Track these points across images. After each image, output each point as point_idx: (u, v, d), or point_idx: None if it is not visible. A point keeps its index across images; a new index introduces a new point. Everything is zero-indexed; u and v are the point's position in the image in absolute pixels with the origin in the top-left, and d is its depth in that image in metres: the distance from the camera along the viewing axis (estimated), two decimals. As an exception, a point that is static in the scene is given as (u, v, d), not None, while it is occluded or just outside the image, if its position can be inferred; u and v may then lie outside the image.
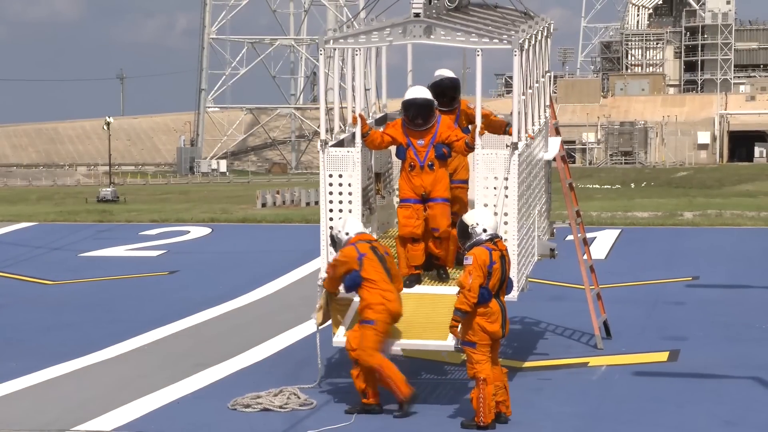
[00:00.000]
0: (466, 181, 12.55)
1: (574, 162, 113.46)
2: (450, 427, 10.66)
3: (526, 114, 12.33)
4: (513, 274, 11.52)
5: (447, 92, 12.34)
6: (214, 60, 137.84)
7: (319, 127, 12.20)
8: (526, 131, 12.33)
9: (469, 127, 12.16)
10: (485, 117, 12.18)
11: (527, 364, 13.43)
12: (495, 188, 11.74)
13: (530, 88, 12.68)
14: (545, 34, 13.74)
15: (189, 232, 30.10)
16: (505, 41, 11.68)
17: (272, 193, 55.58)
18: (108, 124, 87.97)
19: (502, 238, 11.00)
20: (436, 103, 11.87)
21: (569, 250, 15.54)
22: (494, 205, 11.70)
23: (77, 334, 16.01)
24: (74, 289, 20.55)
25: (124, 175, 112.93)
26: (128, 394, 12.03)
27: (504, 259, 10.78)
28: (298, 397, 11.39)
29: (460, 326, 10.61)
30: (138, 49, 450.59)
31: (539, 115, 13.52)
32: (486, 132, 12.19)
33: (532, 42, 12.62)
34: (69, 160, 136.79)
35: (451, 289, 11.52)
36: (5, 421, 11.13)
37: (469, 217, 10.90)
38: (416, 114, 11.74)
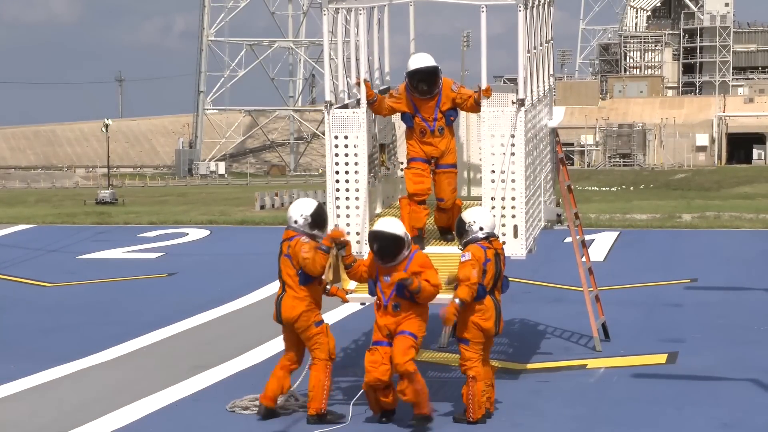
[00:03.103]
0: (454, 165, 12.27)
1: (572, 164, 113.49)
2: (450, 427, 10.66)
3: (531, 74, 12.33)
4: (521, 232, 11.65)
5: (427, 78, 11.85)
6: (213, 62, 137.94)
7: (318, 128, 12.15)
8: (531, 92, 12.30)
9: (456, 109, 12.17)
10: (461, 94, 12.00)
11: (526, 365, 13.42)
12: (502, 145, 11.73)
13: (534, 48, 12.66)
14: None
15: (187, 234, 30.10)
16: None
17: (271, 195, 55.61)
18: (106, 126, 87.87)
19: (498, 238, 11.08)
20: (440, 68, 11.77)
21: (568, 252, 15.54)
22: (502, 163, 11.69)
23: (75, 336, 16.00)
24: (72, 291, 20.54)
25: (123, 177, 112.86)
26: (126, 397, 12.02)
27: (498, 257, 10.87)
28: (297, 399, 11.38)
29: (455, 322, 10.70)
30: (136, 51, 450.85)
31: (543, 81, 13.53)
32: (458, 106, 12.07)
33: (536, 3, 12.62)
34: (67, 162, 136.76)
35: (452, 249, 11.63)
36: (3, 424, 11.13)
37: (466, 215, 11.04)
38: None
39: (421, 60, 11.78)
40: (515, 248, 11.76)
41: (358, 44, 12.37)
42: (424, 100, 11.82)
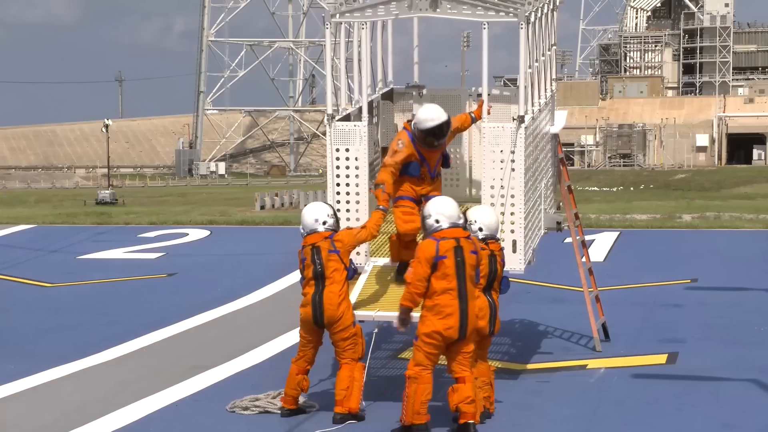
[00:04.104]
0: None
1: (572, 164, 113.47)
2: (449, 427, 10.66)
3: (532, 88, 12.35)
4: (520, 247, 11.67)
5: (439, 132, 11.44)
6: (213, 62, 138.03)
7: (318, 128, 12.20)
8: (532, 105, 12.32)
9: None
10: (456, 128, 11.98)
11: (526, 365, 13.43)
12: (502, 161, 11.76)
13: (536, 61, 12.68)
14: (552, 6, 13.74)
15: (187, 234, 30.12)
16: (511, 14, 11.66)
17: (271, 196, 55.64)
18: (106, 126, 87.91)
19: (497, 240, 11.07)
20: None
21: (568, 253, 15.54)
22: (501, 179, 11.73)
23: (75, 336, 16.00)
24: (72, 292, 20.55)
25: (123, 177, 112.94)
26: (126, 397, 12.02)
27: (494, 258, 10.85)
28: (297, 400, 11.38)
29: None
30: (136, 51, 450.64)
31: (546, 89, 13.55)
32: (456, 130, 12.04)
33: (539, 15, 12.63)
34: (67, 162, 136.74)
35: None
36: (2, 424, 11.13)
37: (470, 213, 11.03)
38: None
39: (434, 115, 11.36)
40: (514, 263, 11.77)
41: (360, 51, 12.39)
42: (432, 150, 11.61)
